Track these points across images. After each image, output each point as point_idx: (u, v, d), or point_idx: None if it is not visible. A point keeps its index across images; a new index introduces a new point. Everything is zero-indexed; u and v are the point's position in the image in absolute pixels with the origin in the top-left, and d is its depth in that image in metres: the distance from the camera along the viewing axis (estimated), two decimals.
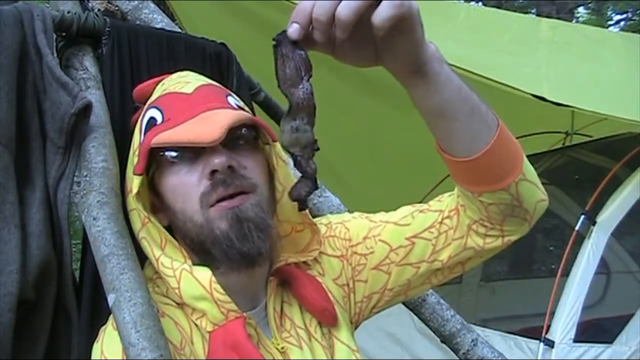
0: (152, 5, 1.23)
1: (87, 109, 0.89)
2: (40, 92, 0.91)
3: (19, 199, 0.85)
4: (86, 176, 0.87)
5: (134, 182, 0.78)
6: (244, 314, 0.78)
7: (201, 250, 0.78)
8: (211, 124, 0.75)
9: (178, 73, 0.88)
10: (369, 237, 0.91)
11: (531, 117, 3.09)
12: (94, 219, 0.83)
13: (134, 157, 0.82)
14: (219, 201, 0.76)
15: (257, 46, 2.63)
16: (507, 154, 0.76)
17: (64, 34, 1.00)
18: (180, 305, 0.79)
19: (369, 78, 2.99)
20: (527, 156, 0.80)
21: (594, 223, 2.85)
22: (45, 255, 0.85)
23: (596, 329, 2.80)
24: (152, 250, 0.80)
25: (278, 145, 0.82)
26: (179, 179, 0.78)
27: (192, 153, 0.77)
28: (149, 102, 0.85)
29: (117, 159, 0.92)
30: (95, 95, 0.96)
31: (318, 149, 0.69)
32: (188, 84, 0.83)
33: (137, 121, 0.86)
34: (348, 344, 0.86)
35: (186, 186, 0.77)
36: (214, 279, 0.76)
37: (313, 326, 0.85)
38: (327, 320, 0.85)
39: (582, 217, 2.89)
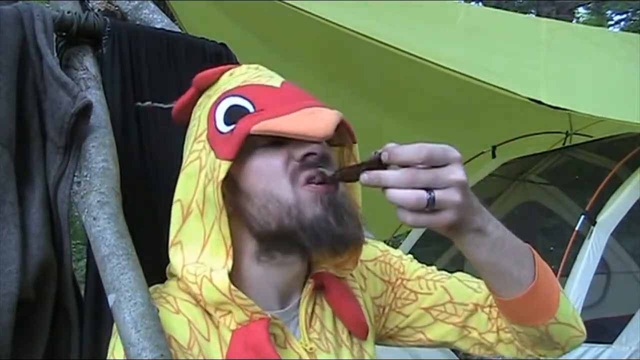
0: (152, 5, 1.23)
1: (87, 109, 0.89)
2: (40, 92, 0.91)
3: (18, 199, 0.85)
4: (86, 176, 0.87)
5: (222, 167, 0.75)
6: (270, 314, 0.77)
7: (275, 235, 0.77)
8: (319, 120, 0.76)
9: (246, 66, 0.88)
10: (425, 279, 0.94)
11: (531, 117, 3.09)
12: (94, 219, 0.83)
13: (196, 144, 0.80)
14: (308, 182, 0.76)
15: (257, 46, 2.65)
16: (539, 301, 0.79)
17: (64, 34, 1.00)
18: (201, 303, 0.78)
19: (368, 84, 2.99)
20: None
21: (594, 223, 2.85)
22: (45, 255, 0.85)
23: (596, 329, 2.79)
24: (183, 257, 0.78)
25: (356, 146, 0.85)
26: (265, 161, 0.77)
27: (278, 143, 0.77)
28: (222, 90, 0.83)
29: (117, 159, 0.92)
30: (95, 95, 0.96)
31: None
32: (272, 78, 0.83)
33: (187, 105, 0.86)
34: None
35: (273, 166, 0.77)
36: (232, 286, 0.75)
37: (345, 334, 0.86)
38: (359, 332, 0.86)
39: (582, 217, 2.89)
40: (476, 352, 0.94)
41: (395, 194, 0.65)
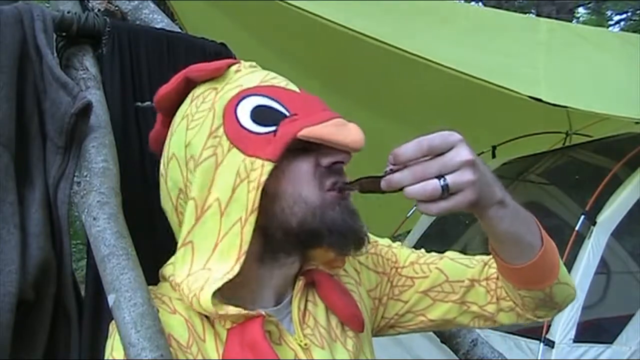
0: (152, 5, 1.23)
1: (87, 109, 0.89)
2: (40, 92, 0.91)
3: (18, 199, 0.85)
4: (86, 176, 0.87)
5: (265, 168, 0.74)
6: (264, 311, 0.78)
7: (296, 233, 0.78)
8: (353, 131, 0.79)
9: (248, 64, 0.87)
10: (418, 263, 0.97)
11: (531, 117, 3.09)
12: (94, 219, 0.83)
13: (211, 139, 0.78)
14: (333, 187, 0.79)
15: (257, 46, 2.65)
16: (547, 264, 0.84)
17: (64, 34, 1.00)
18: None
19: (368, 84, 2.99)
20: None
21: (594, 223, 2.85)
22: (45, 255, 0.85)
23: (596, 329, 2.80)
24: (191, 263, 0.77)
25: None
26: (297, 165, 0.78)
27: (307, 148, 0.79)
28: (236, 87, 0.81)
29: (117, 159, 0.92)
30: (95, 95, 0.96)
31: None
32: (289, 83, 0.85)
33: (173, 94, 0.84)
34: (370, 354, 0.89)
35: (304, 170, 0.78)
36: (218, 305, 0.74)
37: (339, 329, 0.86)
38: (354, 325, 0.86)
39: (582, 217, 2.89)
40: (476, 325, 0.97)
41: (411, 190, 0.68)
